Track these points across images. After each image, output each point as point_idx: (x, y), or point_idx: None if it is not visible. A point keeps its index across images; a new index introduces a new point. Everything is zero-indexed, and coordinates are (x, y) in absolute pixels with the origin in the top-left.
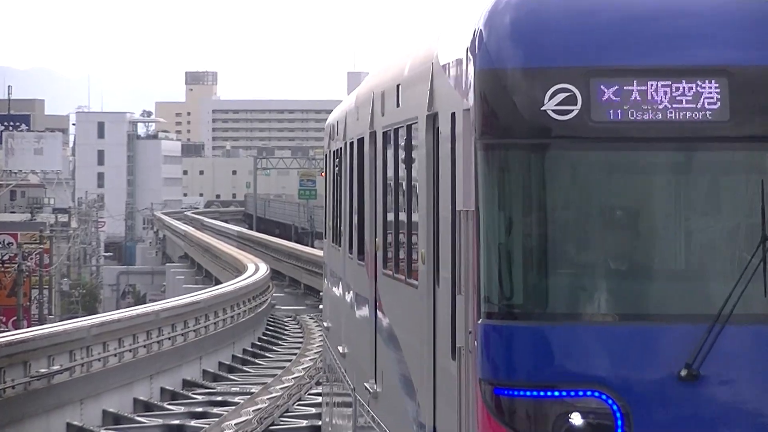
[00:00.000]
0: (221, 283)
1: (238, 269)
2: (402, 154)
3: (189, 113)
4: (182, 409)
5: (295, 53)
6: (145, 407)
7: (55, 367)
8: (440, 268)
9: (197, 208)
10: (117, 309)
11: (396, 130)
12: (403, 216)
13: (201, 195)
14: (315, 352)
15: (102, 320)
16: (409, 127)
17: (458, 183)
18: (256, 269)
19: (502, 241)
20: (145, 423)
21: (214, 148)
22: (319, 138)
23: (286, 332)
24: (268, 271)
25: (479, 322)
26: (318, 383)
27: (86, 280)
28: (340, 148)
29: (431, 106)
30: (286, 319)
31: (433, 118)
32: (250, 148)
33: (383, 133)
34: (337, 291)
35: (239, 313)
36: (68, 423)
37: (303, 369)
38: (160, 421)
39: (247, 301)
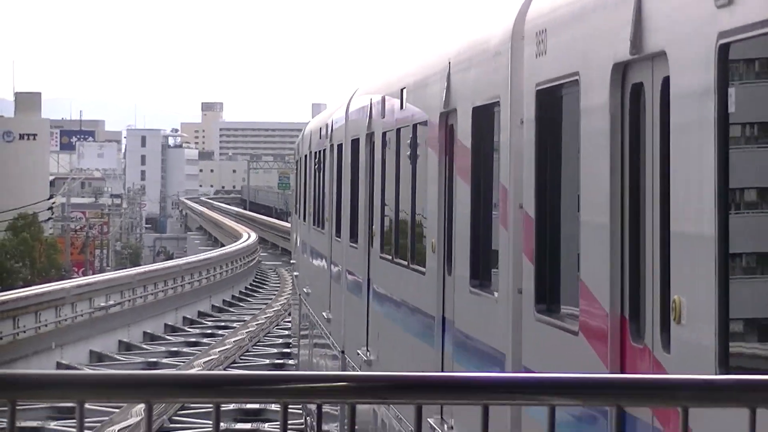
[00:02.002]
0: (224, 245)
1: (236, 236)
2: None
3: (203, 130)
4: (197, 330)
5: (275, 90)
6: (172, 330)
7: (111, 302)
8: None
9: (208, 195)
10: (153, 263)
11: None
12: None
13: (211, 186)
14: (288, 293)
15: (143, 270)
16: None
17: None
18: (249, 236)
19: None
20: (172, 340)
21: (220, 154)
22: (285, 153)
23: (268, 280)
24: (257, 238)
25: None
26: (289, 314)
27: (132, 243)
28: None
29: None
30: (268, 271)
31: None
32: (245, 154)
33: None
34: None
35: (237, 266)
36: (119, 340)
37: (280, 305)
38: (182, 339)
39: (242, 258)
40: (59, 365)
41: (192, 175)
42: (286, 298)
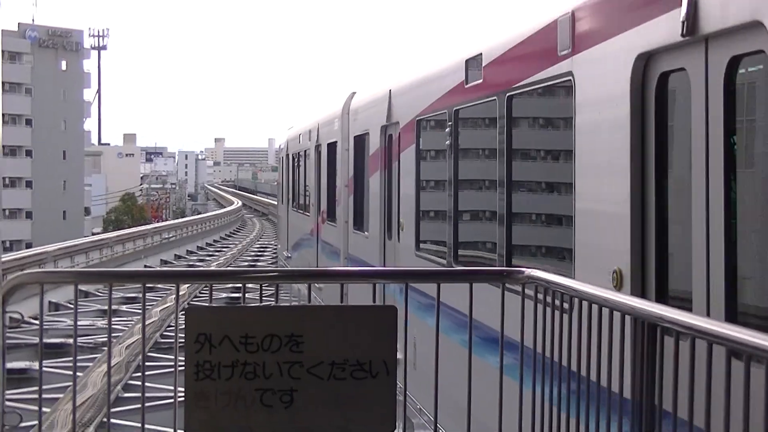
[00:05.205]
0: (225, 207)
1: (231, 203)
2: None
3: (215, 152)
4: (213, 249)
5: (252, 127)
6: (201, 249)
7: (170, 235)
8: None
9: (218, 183)
10: (191, 216)
11: None
12: None
13: (220, 179)
14: (257, 231)
15: (186, 220)
16: None
17: None
18: (238, 203)
19: None
20: (201, 254)
21: (224, 163)
22: (255, 162)
23: (248, 224)
24: (241, 203)
25: None
26: (259, 239)
27: (181, 207)
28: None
29: None
30: (247, 220)
31: None
32: (236, 163)
33: None
34: None
35: (231, 218)
36: (174, 254)
37: (254, 235)
38: (205, 253)
39: (234, 213)
40: (145, 266)
41: (210, 173)
42: (256, 233)
